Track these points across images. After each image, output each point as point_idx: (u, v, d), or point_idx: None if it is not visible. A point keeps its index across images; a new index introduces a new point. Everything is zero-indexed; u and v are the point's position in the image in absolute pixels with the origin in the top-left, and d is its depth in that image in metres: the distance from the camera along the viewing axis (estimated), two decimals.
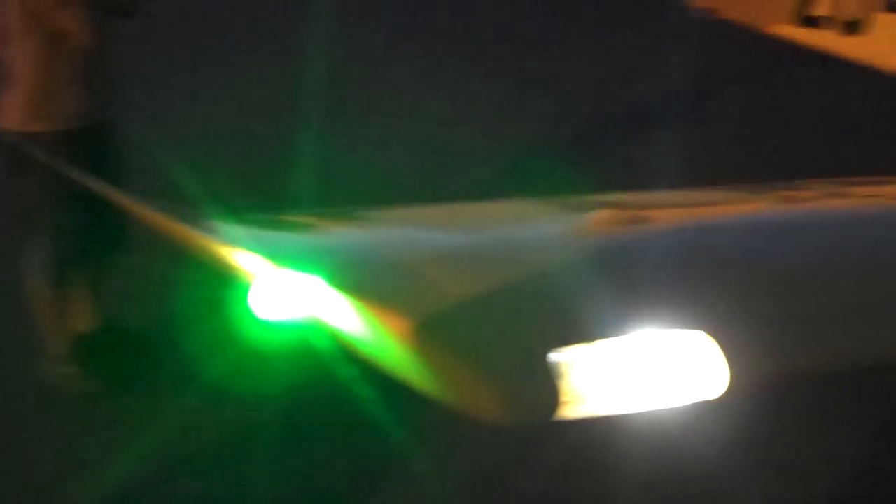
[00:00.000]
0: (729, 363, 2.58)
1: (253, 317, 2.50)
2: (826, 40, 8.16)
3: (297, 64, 9.58)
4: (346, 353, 2.59)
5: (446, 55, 12.36)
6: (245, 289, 2.50)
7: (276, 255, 2.78)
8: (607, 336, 2.56)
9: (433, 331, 2.47)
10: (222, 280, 2.53)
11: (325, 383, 4.24)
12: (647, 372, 2.58)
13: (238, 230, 2.88)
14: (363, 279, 2.72)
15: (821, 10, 8.08)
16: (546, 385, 2.45)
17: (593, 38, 13.93)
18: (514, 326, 2.57)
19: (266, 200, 6.28)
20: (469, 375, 2.47)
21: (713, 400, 2.65)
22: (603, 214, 3.76)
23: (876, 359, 3.01)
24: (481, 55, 12.59)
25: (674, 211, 3.99)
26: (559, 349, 2.50)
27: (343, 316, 2.58)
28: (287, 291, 2.60)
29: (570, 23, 14.46)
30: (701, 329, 2.59)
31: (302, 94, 8.93)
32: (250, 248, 2.80)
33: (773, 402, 4.85)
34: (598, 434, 4.45)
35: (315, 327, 2.58)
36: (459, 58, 12.37)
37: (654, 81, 11.15)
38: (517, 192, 4.53)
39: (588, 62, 12.82)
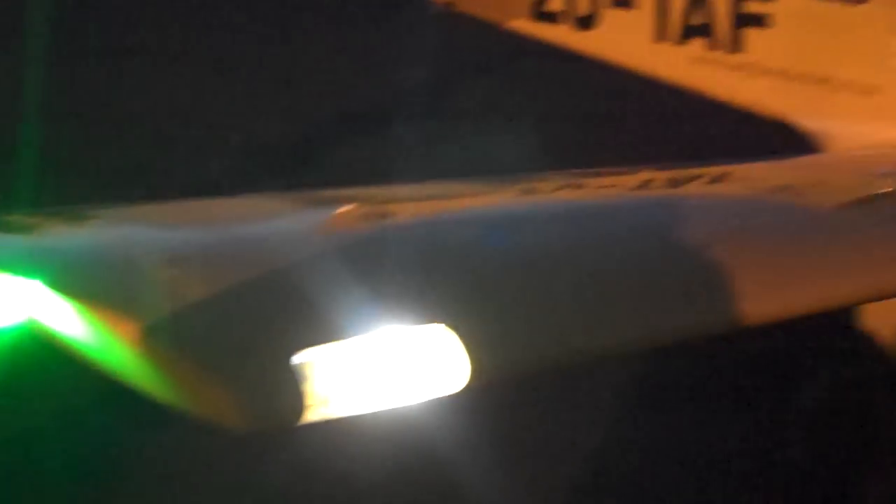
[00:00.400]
0: (470, 356, 2.57)
1: None
2: (561, 35, 8.35)
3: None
4: (71, 358, 2.42)
5: (173, 44, 12.02)
6: None
7: None
8: (350, 335, 2.50)
9: (163, 333, 2.34)
10: None
11: (45, 390, 4.02)
12: (390, 369, 2.54)
13: None
14: (87, 281, 2.55)
15: (555, 5, 8.26)
16: (289, 388, 2.36)
17: (331, 32, 13.89)
18: (254, 328, 2.47)
19: None
20: (204, 380, 2.35)
21: (456, 393, 2.64)
22: (345, 210, 3.71)
23: (614, 346, 3.08)
24: (212, 48, 12.32)
25: (416, 205, 3.98)
26: (301, 350, 2.42)
27: (66, 320, 2.40)
28: (2, 296, 2.41)
29: (306, 15, 14.35)
30: (441, 322, 2.57)
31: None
32: None
33: (514, 392, 4.92)
34: (339, 432, 4.38)
35: (34, 332, 2.41)
36: (190, 52, 12.06)
37: (394, 77, 11.21)
38: (246, 191, 4.42)
39: (326, 57, 12.76)
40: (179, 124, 9.70)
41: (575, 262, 3.16)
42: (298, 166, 9.16)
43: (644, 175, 4.85)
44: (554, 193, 4.51)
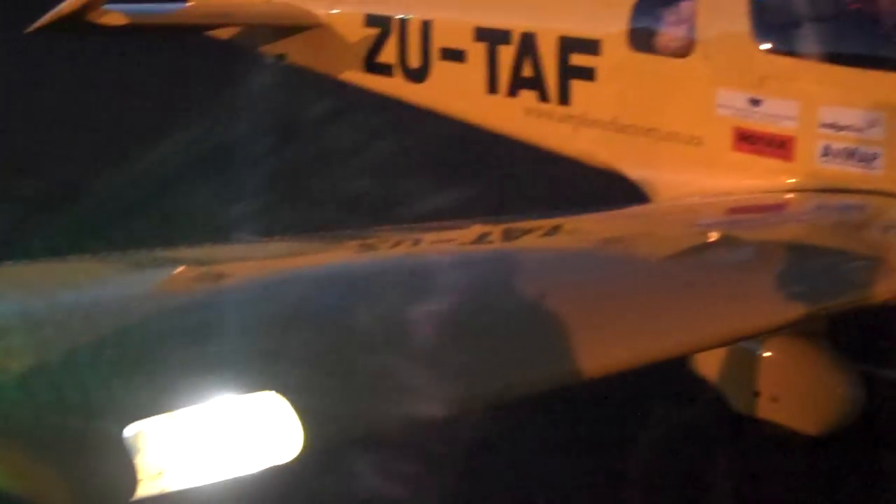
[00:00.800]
0: (302, 422, 2.53)
1: None
2: (393, 87, 8.42)
3: None
4: None
5: None
6: None
7: None
8: (182, 406, 2.43)
9: None
10: None
11: None
12: (223, 439, 2.48)
13: None
14: None
15: (387, 57, 8.33)
16: (120, 464, 2.28)
17: (167, 84, 13.69)
18: (81, 403, 2.37)
19: None
20: (29, 463, 2.25)
21: (290, 461, 2.59)
22: (177, 272, 3.62)
23: (448, 406, 3.07)
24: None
25: (250, 265, 3.92)
26: (132, 424, 2.34)
27: None
28: None
29: (142, 69, 14.13)
30: (272, 389, 2.53)
31: None
32: None
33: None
34: None
35: None
36: None
37: (229, 129, 11.08)
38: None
39: (162, 107, 12.56)
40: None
41: (408, 322, 3.15)
42: (131, 218, 8.97)
43: (479, 229, 4.89)
44: (391, 250, 4.51)
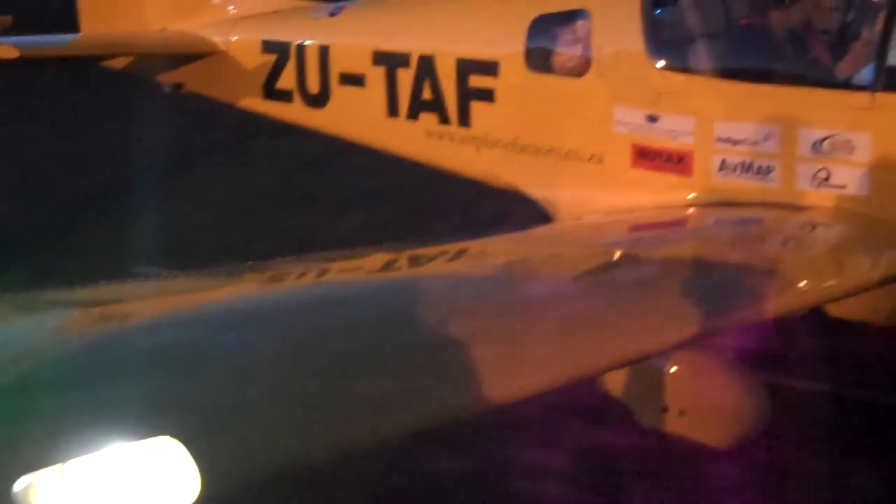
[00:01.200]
0: (199, 465, 2.46)
1: None
2: (294, 113, 8.36)
3: None
4: None
5: None
6: None
7: None
8: (76, 455, 2.35)
9: None
10: None
11: None
12: (119, 487, 2.40)
13: None
14: None
15: (287, 83, 8.27)
16: None
17: (61, 112, 13.44)
18: None
19: None
20: None
21: None
22: (72, 315, 3.52)
23: (353, 441, 3.02)
24: None
25: (148, 303, 3.83)
26: (24, 476, 2.25)
27: None
28: None
29: (41, 103, 13.86)
30: (167, 434, 2.46)
31: None
32: None
33: None
34: None
35: None
36: None
37: (128, 157, 10.93)
38: None
39: (58, 136, 12.33)
40: None
41: (310, 357, 3.10)
42: (36, 248, 8.79)
43: (385, 256, 4.85)
44: (297, 281, 4.45)
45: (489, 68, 7.06)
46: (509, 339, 3.60)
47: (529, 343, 3.64)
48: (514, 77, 6.94)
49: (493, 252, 5.07)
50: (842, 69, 5.99)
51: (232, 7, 9.11)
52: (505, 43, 7.02)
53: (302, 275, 4.54)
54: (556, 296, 4.13)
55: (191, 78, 8.92)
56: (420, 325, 3.51)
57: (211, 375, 2.89)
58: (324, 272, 4.63)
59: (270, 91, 8.41)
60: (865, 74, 5.79)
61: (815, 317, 5.64)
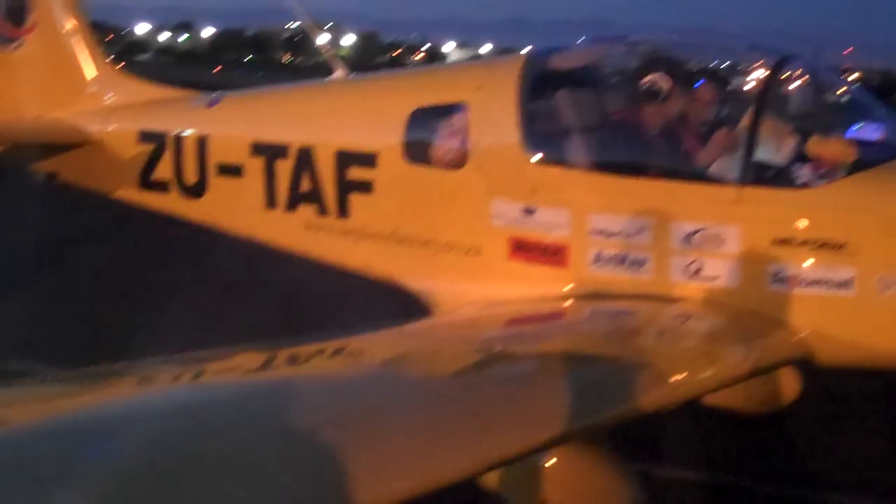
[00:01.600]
0: None
1: None
2: (170, 204, 8.25)
3: None
4: None
5: None
6: None
7: None
8: None
9: None
10: None
11: None
12: None
13: None
14: None
15: (163, 174, 8.17)
16: None
17: None
18: None
19: None
20: None
21: None
22: None
23: None
24: None
25: (13, 409, 3.71)
26: None
27: None
28: None
29: None
30: None
31: None
32: None
33: None
34: None
35: None
36: None
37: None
38: None
39: None
40: None
41: (180, 466, 3.04)
42: None
43: (264, 355, 4.78)
44: (172, 384, 4.35)
45: (368, 160, 7.09)
46: (381, 443, 3.56)
47: (402, 447, 3.61)
48: (392, 169, 6.98)
49: (371, 350, 5.05)
50: (711, 164, 6.17)
51: (109, 96, 9.03)
52: (384, 135, 7.07)
53: (177, 377, 4.45)
54: (430, 397, 4.11)
55: (65, 168, 8.75)
56: (291, 432, 3.47)
57: (76, 491, 2.80)
58: (199, 374, 4.54)
59: (146, 182, 8.30)
60: (734, 169, 5.98)
61: (690, 405, 5.73)
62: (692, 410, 5.96)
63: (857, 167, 5.77)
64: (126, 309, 9.63)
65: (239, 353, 4.91)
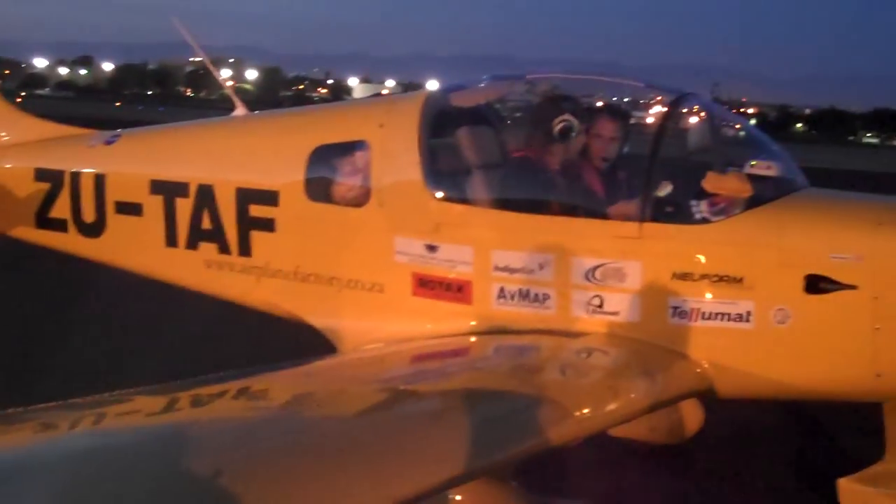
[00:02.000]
0: None
1: None
2: (68, 242, 8.09)
3: None
4: None
5: None
6: None
7: None
8: None
9: None
10: None
11: None
12: None
13: None
14: None
15: (60, 212, 8.02)
16: None
17: None
18: None
19: None
20: None
21: None
22: None
23: None
24: None
25: None
26: None
27: None
28: None
29: None
30: None
31: None
32: None
33: None
34: None
35: None
36: None
37: None
38: None
39: None
40: None
41: None
42: None
43: (167, 397, 4.68)
44: (71, 429, 4.23)
45: (269, 198, 7.03)
46: (278, 488, 3.50)
47: (301, 491, 3.56)
48: (294, 206, 6.93)
49: (275, 389, 4.98)
50: (612, 200, 6.25)
51: (4, 134, 8.84)
52: (285, 172, 7.01)
53: (76, 422, 4.33)
54: (332, 437, 4.06)
55: None
56: (190, 478, 3.41)
57: None
58: (100, 417, 4.43)
59: (43, 220, 8.13)
60: (634, 206, 6.06)
61: (595, 438, 5.76)
62: (598, 443, 5.99)
63: (753, 202, 5.89)
64: (25, 351, 9.40)
65: (140, 395, 4.80)
